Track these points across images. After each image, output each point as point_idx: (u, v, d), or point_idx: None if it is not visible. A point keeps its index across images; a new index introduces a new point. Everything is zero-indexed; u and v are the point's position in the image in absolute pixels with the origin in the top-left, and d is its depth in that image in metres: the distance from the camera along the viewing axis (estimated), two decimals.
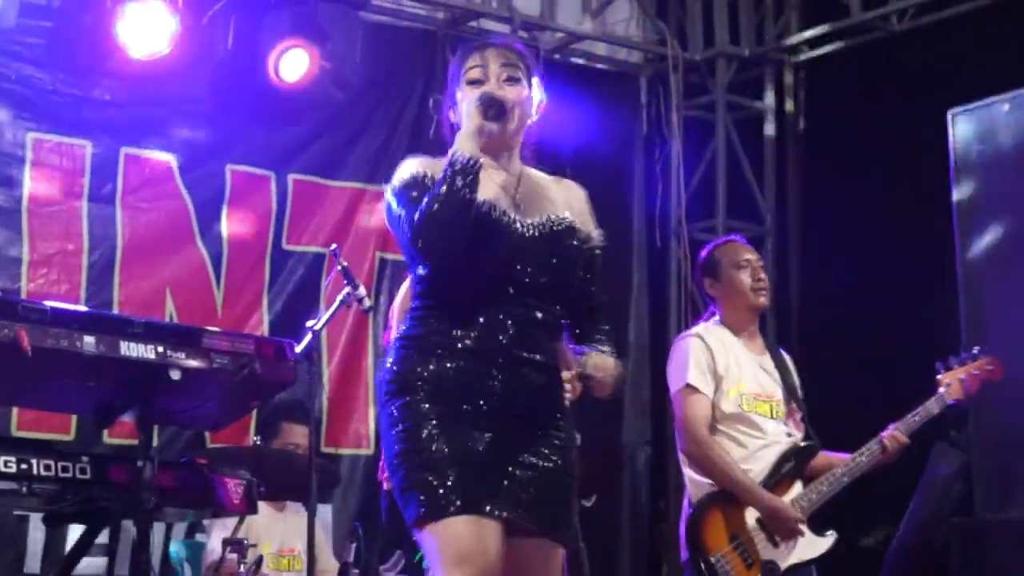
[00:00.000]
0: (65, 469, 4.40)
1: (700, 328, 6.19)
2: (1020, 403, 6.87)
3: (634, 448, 9.50)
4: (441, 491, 3.87)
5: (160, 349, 4.40)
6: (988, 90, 7.97)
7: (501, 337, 4.00)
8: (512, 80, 4.13)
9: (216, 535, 6.53)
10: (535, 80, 4.23)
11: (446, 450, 3.90)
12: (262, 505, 6.45)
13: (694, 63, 9.80)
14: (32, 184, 7.58)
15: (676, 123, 9.57)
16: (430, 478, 3.89)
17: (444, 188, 3.90)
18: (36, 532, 7.20)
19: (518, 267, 4.03)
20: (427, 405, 3.95)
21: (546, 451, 4.05)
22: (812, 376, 7.57)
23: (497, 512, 3.91)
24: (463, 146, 3.95)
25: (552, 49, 9.37)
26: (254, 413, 7.31)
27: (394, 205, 4.06)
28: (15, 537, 7.23)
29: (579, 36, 9.54)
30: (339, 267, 5.72)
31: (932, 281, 8.15)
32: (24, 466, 4.30)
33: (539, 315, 4.05)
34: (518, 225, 4.06)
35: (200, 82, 8.06)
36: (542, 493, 4.01)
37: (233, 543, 6.06)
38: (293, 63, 7.82)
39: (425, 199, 3.92)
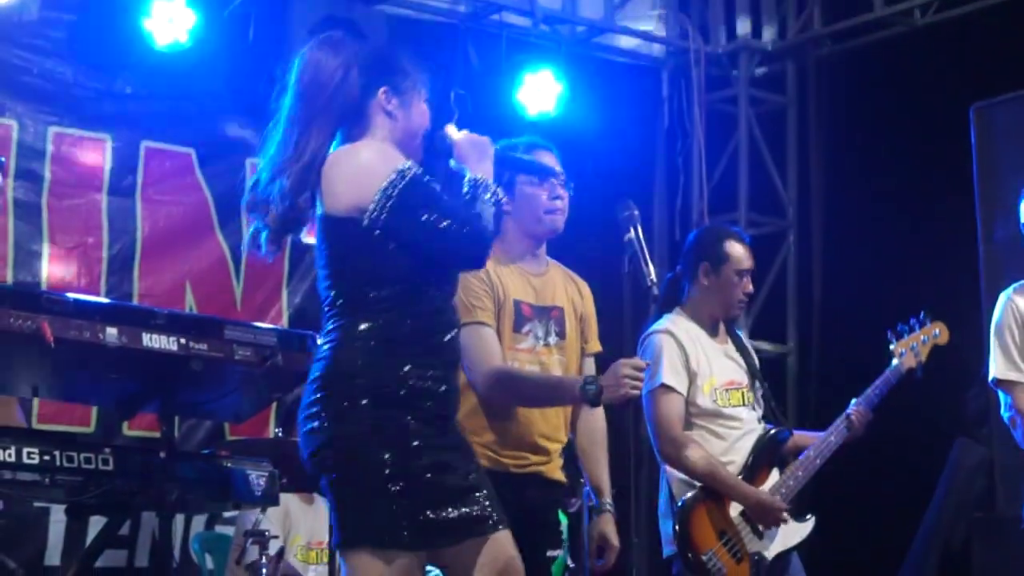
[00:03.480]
0: (88, 461, 4.39)
1: (668, 323, 6.04)
2: None
3: (648, 444, 9.46)
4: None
5: (182, 341, 4.40)
6: (1011, 85, 7.94)
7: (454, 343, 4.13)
8: None
9: (242, 526, 6.54)
10: None
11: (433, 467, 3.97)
12: (292, 497, 6.46)
13: (716, 56, 9.78)
14: (52, 178, 7.58)
15: (698, 117, 9.55)
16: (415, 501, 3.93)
17: (494, 205, 4.07)
18: (57, 524, 7.20)
19: None
20: (410, 419, 3.97)
21: None
22: (834, 369, 7.57)
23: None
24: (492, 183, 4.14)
25: (574, 42, 9.34)
26: (274, 405, 7.31)
27: (418, 191, 4.01)
28: (36, 529, 7.23)
29: (601, 29, 9.52)
30: None
31: (955, 275, 8.12)
32: (47, 458, 4.30)
33: None
34: None
35: (221, 75, 8.06)
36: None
37: (255, 535, 6.05)
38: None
39: (477, 206, 4.05)
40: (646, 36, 9.77)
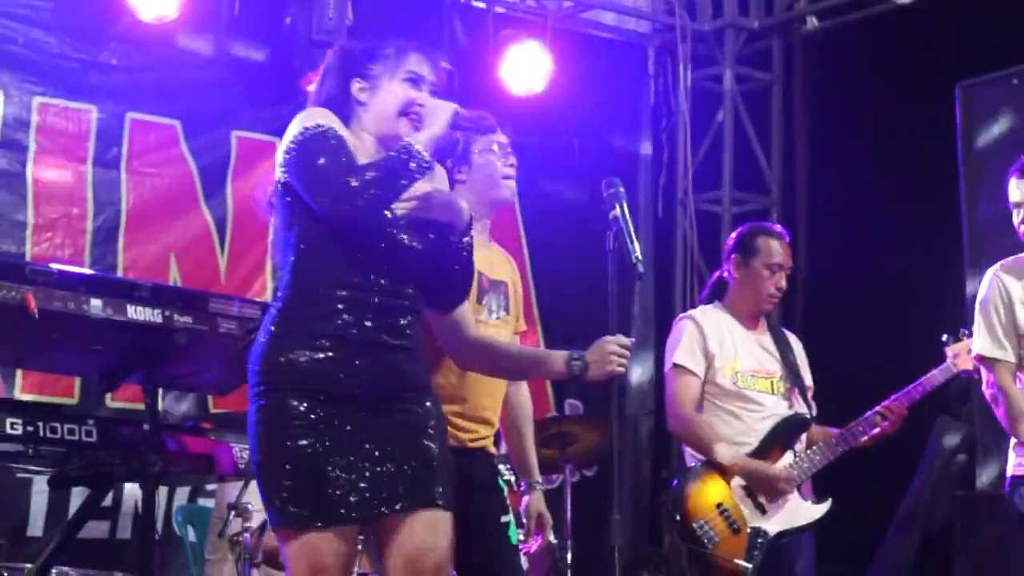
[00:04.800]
0: (71, 432, 4.40)
1: (697, 310, 6.30)
2: None
3: (637, 419, 9.49)
4: (294, 501, 3.88)
5: (167, 313, 4.39)
6: (997, 63, 7.95)
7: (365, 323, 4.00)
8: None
9: (224, 499, 6.53)
10: None
11: (304, 453, 3.89)
12: None
13: (702, 33, 9.77)
14: (37, 148, 7.56)
15: (683, 94, 9.54)
16: (285, 485, 3.89)
17: (391, 171, 3.94)
18: (39, 495, 7.21)
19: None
20: (292, 401, 3.92)
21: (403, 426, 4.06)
22: (817, 348, 7.57)
23: (352, 515, 3.91)
24: (425, 148, 3.99)
25: (560, 18, 9.33)
26: None
27: (308, 148, 3.97)
28: (18, 500, 7.23)
29: (587, 5, 9.50)
30: None
31: (939, 253, 8.14)
32: (30, 428, 4.30)
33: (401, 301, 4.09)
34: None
35: (206, 47, 8.04)
36: (400, 468, 3.99)
37: (238, 508, 6.05)
38: None
39: (369, 167, 3.94)
40: (632, 12, 9.76)
